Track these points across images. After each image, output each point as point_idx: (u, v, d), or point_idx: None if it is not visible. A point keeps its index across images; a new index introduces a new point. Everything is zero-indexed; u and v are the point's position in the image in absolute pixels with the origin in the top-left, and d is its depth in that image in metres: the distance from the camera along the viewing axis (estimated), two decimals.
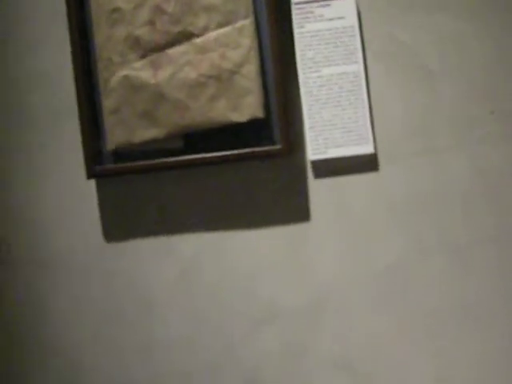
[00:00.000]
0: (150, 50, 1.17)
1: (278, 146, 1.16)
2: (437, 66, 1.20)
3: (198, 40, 1.16)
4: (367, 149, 1.17)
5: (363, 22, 1.20)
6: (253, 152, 1.16)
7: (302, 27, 1.18)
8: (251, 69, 1.15)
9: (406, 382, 1.18)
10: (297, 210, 1.19)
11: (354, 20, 1.18)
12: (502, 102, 1.20)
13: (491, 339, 1.18)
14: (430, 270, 1.18)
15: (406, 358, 1.17)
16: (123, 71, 1.17)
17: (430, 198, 1.19)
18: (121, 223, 1.22)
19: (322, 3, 1.18)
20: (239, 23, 1.15)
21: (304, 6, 1.18)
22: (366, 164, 1.19)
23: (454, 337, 1.18)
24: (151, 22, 1.16)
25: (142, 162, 1.18)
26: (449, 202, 1.19)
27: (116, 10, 1.17)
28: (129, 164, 1.18)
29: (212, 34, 1.16)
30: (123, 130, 1.18)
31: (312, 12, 1.18)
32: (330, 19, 1.18)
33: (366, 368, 1.18)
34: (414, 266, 1.18)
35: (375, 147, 1.18)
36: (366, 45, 1.20)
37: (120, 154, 1.20)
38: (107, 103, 1.18)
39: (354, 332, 1.18)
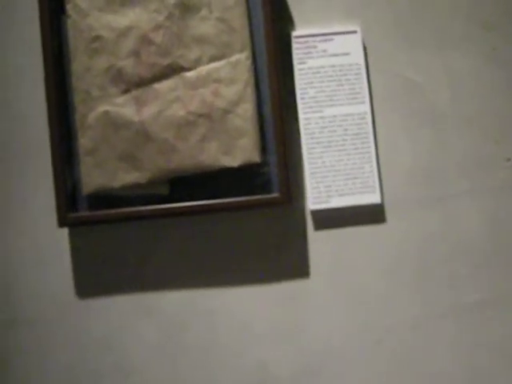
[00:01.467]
0: (134, 84, 1.04)
1: (275, 195, 1.04)
2: (448, 107, 1.10)
3: (188, 74, 1.04)
4: (373, 198, 1.06)
5: (369, 58, 1.09)
6: (247, 201, 1.03)
7: (303, 63, 1.07)
8: (247, 108, 1.03)
9: None
10: (295, 265, 1.07)
11: (360, 56, 1.08)
12: None
13: None
14: (441, 334, 1.07)
15: None
16: (103, 107, 1.04)
17: (442, 253, 1.08)
18: (95, 277, 1.08)
19: (325, 37, 1.08)
20: (234, 57, 1.03)
21: (306, 39, 1.07)
22: (372, 215, 1.07)
23: None
24: (136, 54, 1.04)
25: (121, 210, 1.04)
26: (461, 257, 1.08)
27: (97, 38, 1.05)
28: (106, 211, 1.05)
29: (204, 68, 1.04)
30: (101, 172, 1.05)
31: (314, 47, 1.07)
32: (334, 55, 1.08)
33: None
34: (422, 330, 1.07)
35: (382, 196, 1.07)
36: (373, 84, 1.09)
37: (95, 200, 1.06)
38: (84, 142, 1.05)
39: None
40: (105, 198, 1.06)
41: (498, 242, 1.09)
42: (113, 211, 1.04)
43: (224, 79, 1.03)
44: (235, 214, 1.06)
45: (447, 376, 1.07)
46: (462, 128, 1.10)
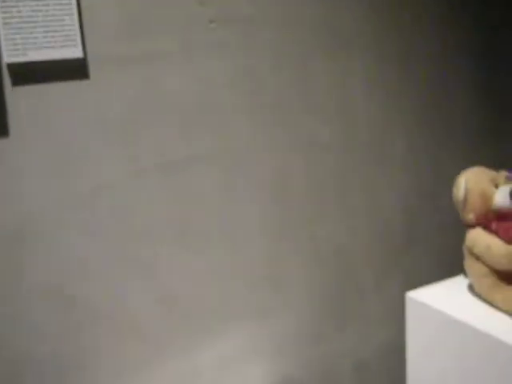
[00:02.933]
0: None
1: None
2: None
3: None
4: (75, 52, 1.02)
5: None
6: None
7: None
8: None
9: (123, 304, 1.09)
10: None
11: None
12: (223, 10, 1.13)
13: (209, 254, 1.15)
14: (143, 189, 1.09)
15: (118, 279, 1.09)
16: None
17: (147, 110, 1.09)
18: None
19: None
20: None
21: None
22: (75, 70, 1.04)
23: (168, 253, 1.12)
24: None
25: None
26: (168, 116, 1.10)
27: None
28: None
29: None
30: None
31: None
32: None
33: (75, 291, 1.06)
34: (126, 186, 1.08)
35: (85, 51, 1.04)
36: None
37: None
38: None
39: (64, 258, 1.05)
40: None
41: (205, 100, 1.12)
42: None
43: None
44: None
45: (150, 228, 1.10)
46: None
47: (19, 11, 0.99)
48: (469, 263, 1.06)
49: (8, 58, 0.99)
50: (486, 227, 1.01)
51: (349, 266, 1.27)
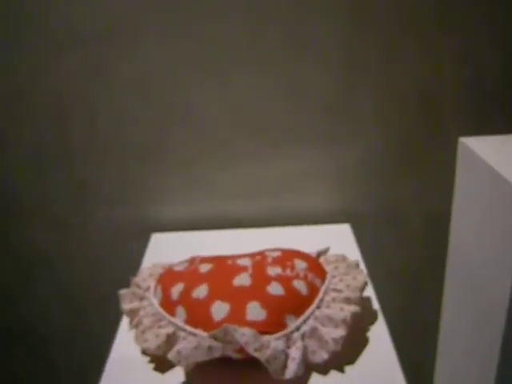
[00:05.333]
0: None
1: None
2: None
3: None
4: None
5: None
6: None
7: None
8: None
9: (195, 106, 1.16)
10: None
11: None
12: None
13: (277, 73, 1.15)
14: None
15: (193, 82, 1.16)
16: None
17: None
18: None
19: None
20: None
21: None
22: None
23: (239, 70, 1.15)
24: None
25: None
26: None
27: None
28: None
29: None
30: None
31: None
32: None
33: (152, 87, 1.15)
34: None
35: None
36: None
37: None
38: None
39: (143, 59, 1.14)
40: None
41: None
42: None
43: None
44: None
45: (222, 52, 1.12)
46: None
47: None
48: None
49: None
50: None
51: (431, 112, 1.18)
